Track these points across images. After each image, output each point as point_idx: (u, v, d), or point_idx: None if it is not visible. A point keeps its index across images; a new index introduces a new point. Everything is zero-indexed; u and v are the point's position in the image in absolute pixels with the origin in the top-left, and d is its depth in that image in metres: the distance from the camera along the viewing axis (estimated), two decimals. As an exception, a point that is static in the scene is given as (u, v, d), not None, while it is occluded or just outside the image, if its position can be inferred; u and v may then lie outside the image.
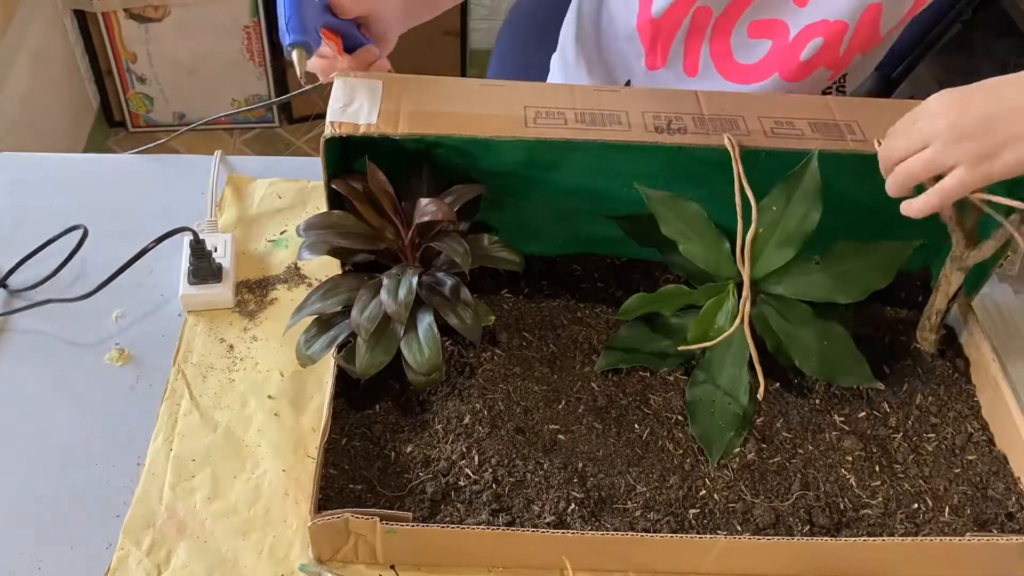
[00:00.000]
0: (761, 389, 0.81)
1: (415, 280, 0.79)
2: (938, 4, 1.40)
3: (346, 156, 0.85)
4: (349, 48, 0.86)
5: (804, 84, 0.99)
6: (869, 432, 0.84)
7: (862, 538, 0.74)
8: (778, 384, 0.87)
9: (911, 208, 0.70)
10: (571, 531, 0.74)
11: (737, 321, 0.81)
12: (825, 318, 0.83)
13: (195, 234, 0.92)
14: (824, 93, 1.03)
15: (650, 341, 0.87)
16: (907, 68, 1.53)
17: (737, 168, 0.76)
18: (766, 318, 0.83)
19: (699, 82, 1.00)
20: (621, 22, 1.02)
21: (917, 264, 0.97)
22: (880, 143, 0.74)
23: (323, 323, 0.83)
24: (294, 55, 0.79)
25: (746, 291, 0.81)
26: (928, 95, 1.00)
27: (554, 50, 1.22)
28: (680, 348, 0.84)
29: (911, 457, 0.82)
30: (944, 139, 0.65)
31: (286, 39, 0.79)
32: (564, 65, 1.18)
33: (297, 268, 0.98)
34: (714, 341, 0.82)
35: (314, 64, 0.86)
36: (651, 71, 1.03)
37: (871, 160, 0.75)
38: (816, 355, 0.83)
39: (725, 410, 0.82)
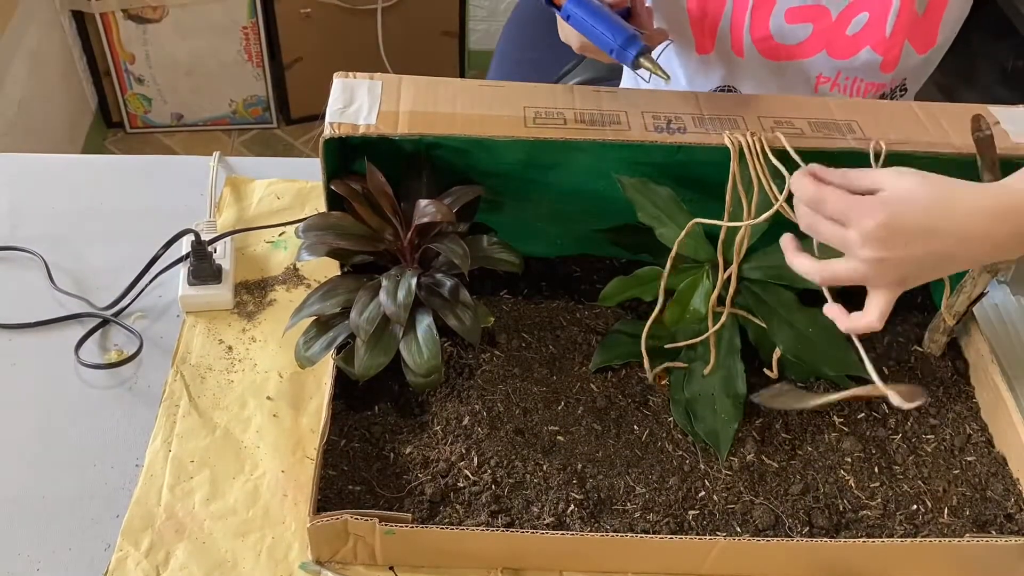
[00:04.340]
0: (774, 368, 0.81)
1: (414, 281, 0.79)
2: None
3: (345, 157, 0.85)
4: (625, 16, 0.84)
5: (855, 65, 0.99)
6: (868, 433, 0.84)
7: (861, 539, 0.74)
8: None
9: (857, 325, 0.70)
10: (570, 532, 0.74)
11: (724, 316, 0.82)
12: (812, 308, 0.84)
13: (197, 235, 0.92)
14: (884, 97, 1.02)
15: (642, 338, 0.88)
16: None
17: (734, 166, 0.77)
18: (747, 306, 0.83)
19: (748, 63, 1.01)
20: (670, 11, 1.02)
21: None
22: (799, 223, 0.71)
23: (322, 324, 0.82)
24: (645, 63, 0.78)
25: (733, 283, 0.81)
26: (926, 97, 1.00)
27: (555, 49, 1.22)
28: (667, 346, 0.85)
29: (910, 458, 0.82)
30: (880, 272, 0.66)
31: (629, 57, 0.77)
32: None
33: (296, 269, 0.98)
34: (700, 338, 0.83)
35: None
36: (701, 55, 1.03)
37: (869, 159, 0.76)
38: (801, 342, 0.83)
39: (725, 402, 0.82)
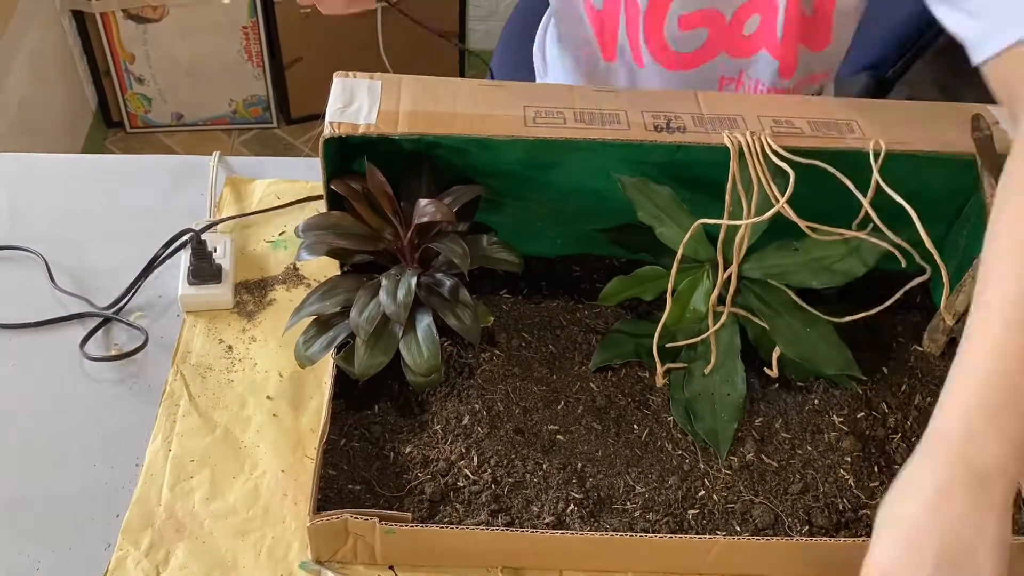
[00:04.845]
0: (774, 367, 0.81)
1: (414, 281, 0.79)
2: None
3: (345, 157, 0.85)
4: None
5: (755, 66, 0.97)
6: (868, 433, 0.84)
7: (861, 538, 0.74)
8: (777, 385, 0.87)
9: None
10: (570, 531, 0.74)
11: (724, 316, 0.82)
12: (812, 310, 0.84)
13: (197, 235, 0.92)
14: None
15: (642, 337, 0.88)
16: (903, 68, 1.52)
17: (734, 166, 0.77)
18: (748, 305, 0.84)
19: (646, 72, 1.00)
20: (578, 18, 1.02)
21: (917, 265, 0.97)
22: None
23: (322, 324, 0.82)
24: None
25: (733, 282, 0.81)
26: (925, 97, 0.99)
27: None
28: (667, 345, 0.85)
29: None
30: None
31: None
32: (544, 64, 1.19)
33: (296, 269, 0.98)
34: (700, 337, 0.83)
35: None
36: (608, 63, 1.04)
37: (868, 158, 0.76)
38: (801, 341, 0.83)
39: (725, 402, 0.83)
